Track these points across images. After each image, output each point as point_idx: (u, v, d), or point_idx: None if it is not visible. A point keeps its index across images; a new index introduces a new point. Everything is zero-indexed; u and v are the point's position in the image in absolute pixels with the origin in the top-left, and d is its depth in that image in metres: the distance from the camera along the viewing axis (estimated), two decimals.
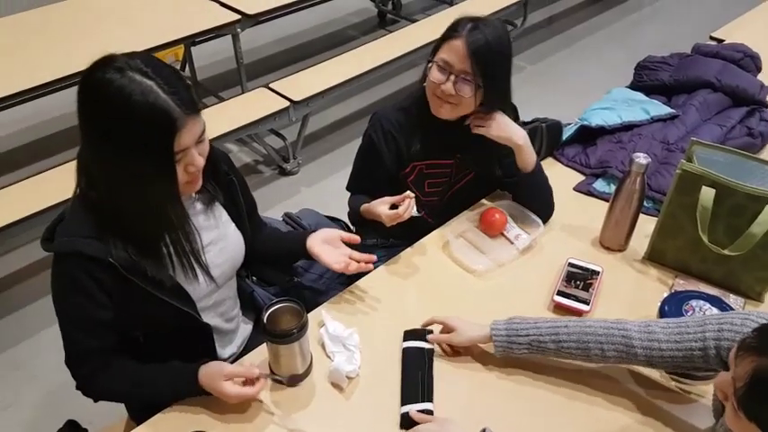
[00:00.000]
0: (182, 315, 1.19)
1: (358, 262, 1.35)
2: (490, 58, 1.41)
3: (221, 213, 1.30)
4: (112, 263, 1.07)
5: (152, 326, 1.21)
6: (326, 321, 1.32)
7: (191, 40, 3.15)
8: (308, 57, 4.02)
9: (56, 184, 2.37)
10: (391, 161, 1.59)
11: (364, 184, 1.66)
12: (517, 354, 1.22)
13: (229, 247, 1.30)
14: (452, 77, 1.42)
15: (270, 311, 1.19)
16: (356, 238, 1.39)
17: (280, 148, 3.22)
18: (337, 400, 1.23)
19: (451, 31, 1.43)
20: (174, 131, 0.99)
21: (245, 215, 1.35)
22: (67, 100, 3.44)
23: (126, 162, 1.01)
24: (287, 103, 2.88)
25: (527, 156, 1.54)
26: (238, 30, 3.03)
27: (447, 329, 1.30)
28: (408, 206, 1.43)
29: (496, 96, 1.49)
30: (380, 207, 1.47)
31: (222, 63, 3.88)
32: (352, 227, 1.79)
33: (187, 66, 3.67)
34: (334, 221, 1.78)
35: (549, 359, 1.24)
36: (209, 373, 1.16)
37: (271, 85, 3.00)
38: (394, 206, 1.46)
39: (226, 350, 1.39)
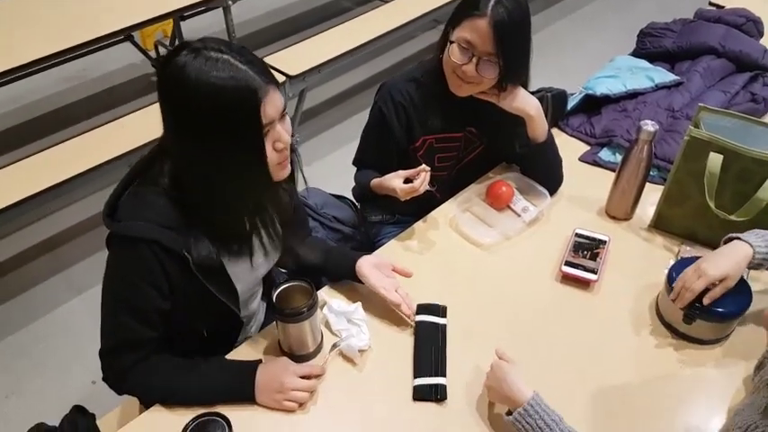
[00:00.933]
0: (225, 310, 1.19)
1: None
2: (514, 36, 1.36)
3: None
4: (185, 256, 1.06)
5: (197, 318, 1.19)
6: (328, 299, 1.30)
7: (180, 15, 3.08)
8: (303, 29, 3.95)
9: (34, 172, 2.34)
10: (401, 135, 1.55)
11: (372, 158, 1.63)
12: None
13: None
14: (475, 59, 1.37)
15: (279, 290, 1.19)
16: (408, 273, 1.35)
17: None
18: (349, 374, 1.23)
19: (472, 8, 1.34)
20: (258, 102, 0.97)
21: (290, 207, 1.30)
22: (51, 80, 3.39)
23: (215, 145, 0.99)
24: (283, 78, 2.83)
25: (539, 126, 1.52)
26: (229, 2, 2.96)
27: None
28: (424, 179, 1.40)
29: (517, 73, 1.44)
30: (394, 181, 1.44)
31: (214, 36, 3.80)
32: (357, 203, 1.78)
33: (176, 41, 3.60)
34: (340, 200, 1.76)
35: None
36: (270, 370, 1.17)
37: (265, 59, 2.93)
38: (407, 180, 1.44)
39: (243, 334, 1.38)
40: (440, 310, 1.32)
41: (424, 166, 1.42)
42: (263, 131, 1.00)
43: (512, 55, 1.37)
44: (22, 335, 2.34)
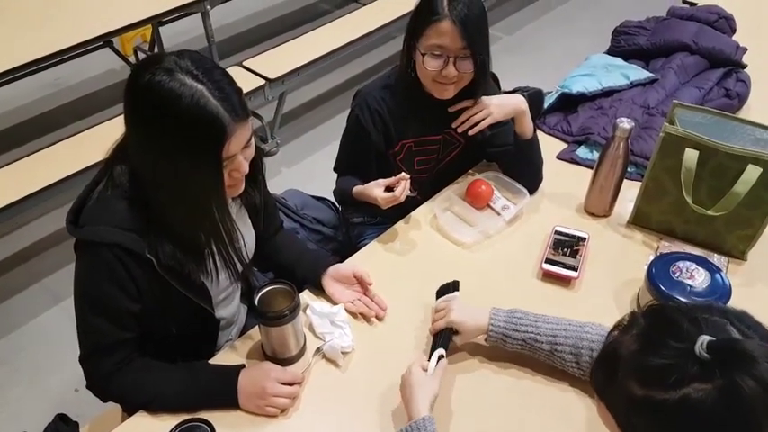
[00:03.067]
0: (199, 311, 1.18)
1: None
2: (478, 24, 1.38)
3: (243, 210, 1.28)
4: (149, 258, 1.06)
5: (168, 320, 1.18)
6: (310, 302, 1.30)
7: (158, 20, 3.06)
8: (281, 33, 3.95)
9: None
10: (379, 141, 1.56)
11: (352, 165, 1.63)
12: (508, 347, 1.19)
13: (246, 246, 1.27)
14: (451, 60, 1.38)
15: (261, 293, 1.18)
16: (367, 282, 1.34)
17: (257, 128, 3.16)
18: (333, 376, 1.23)
19: (430, 14, 1.36)
20: (223, 139, 0.97)
21: (262, 212, 1.32)
22: (29, 88, 3.34)
23: (173, 165, 0.99)
24: (262, 82, 2.83)
25: (528, 121, 1.54)
26: (207, 7, 2.95)
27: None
28: (404, 188, 1.41)
29: (484, 63, 1.45)
30: (375, 190, 1.44)
31: (192, 42, 3.79)
32: (338, 206, 1.78)
33: (156, 47, 3.57)
34: (320, 201, 1.76)
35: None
36: (252, 375, 1.16)
37: (244, 63, 2.94)
38: (389, 188, 1.44)
39: (224, 337, 1.37)
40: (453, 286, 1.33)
41: (403, 174, 1.42)
42: (223, 164, 1.01)
43: (481, 42, 1.39)
44: (2, 343, 2.30)
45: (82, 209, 1.09)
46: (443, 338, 1.20)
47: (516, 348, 1.18)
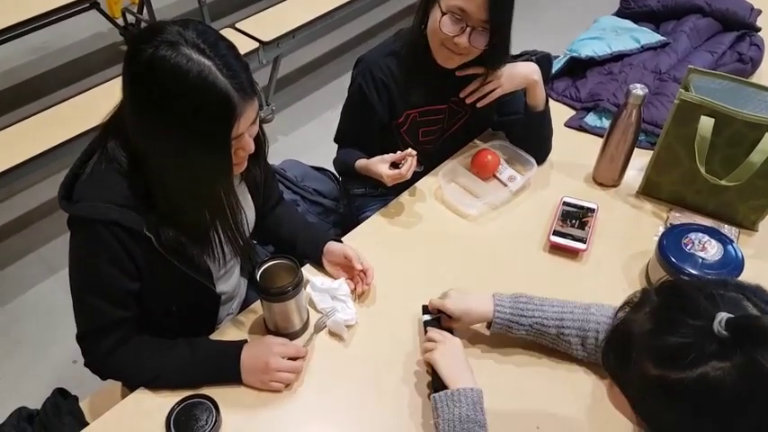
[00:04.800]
0: (200, 287, 1.15)
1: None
2: (505, 3, 1.29)
3: (243, 185, 1.23)
4: (147, 236, 1.01)
5: (168, 297, 1.15)
6: (311, 278, 1.26)
7: None
8: None
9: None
10: (383, 112, 1.49)
11: (354, 136, 1.57)
12: (513, 334, 1.14)
13: (247, 221, 1.23)
14: (468, 29, 1.30)
15: (263, 268, 1.14)
16: (357, 267, 1.27)
17: None
18: (337, 351, 1.20)
19: None
20: (233, 120, 0.91)
21: (262, 185, 1.27)
22: (15, 52, 3.22)
23: (179, 147, 0.93)
24: (256, 45, 2.73)
25: (540, 92, 1.48)
26: None
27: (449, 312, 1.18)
28: (411, 165, 1.36)
29: (504, 45, 1.38)
30: (380, 166, 1.38)
31: (183, 3, 3.65)
32: (338, 176, 1.72)
33: (144, 9, 3.45)
34: (320, 172, 1.70)
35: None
36: (255, 351, 1.13)
37: (237, 25, 2.84)
38: (394, 164, 1.39)
39: (225, 311, 1.34)
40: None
41: (410, 150, 1.36)
42: (231, 143, 0.95)
43: (503, 22, 1.32)
44: (0, 314, 2.27)
45: (74, 183, 1.03)
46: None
47: (521, 334, 1.14)
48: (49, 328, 2.21)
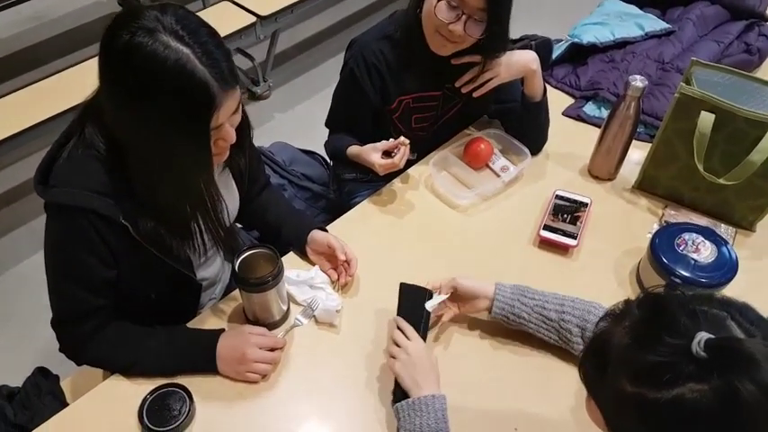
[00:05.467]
0: (179, 275, 1.12)
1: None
2: None
3: (227, 172, 1.20)
4: (125, 224, 0.98)
5: (147, 285, 1.12)
6: (285, 272, 1.21)
7: None
8: None
9: None
10: (376, 98, 1.45)
11: (345, 121, 1.53)
12: (516, 315, 1.11)
13: (230, 206, 1.21)
14: (464, 17, 1.25)
15: (242, 258, 1.11)
16: (341, 258, 1.23)
17: (248, 69, 3.02)
18: (316, 340, 1.18)
19: None
20: (212, 110, 0.88)
21: (246, 171, 1.23)
22: (10, 21, 3.14)
23: (156, 137, 0.90)
24: (253, 19, 2.67)
25: (538, 82, 1.43)
26: None
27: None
28: (404, 154, 1.32)
29: (502, 34, 1.34)
30: (373, 155, 1.35)
31: None
32: (329, 160, 1.68)
33: None
34: (310, 155, 1.66)
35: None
36: (232, 340, 1.11)
37: None
38: (387, 153, 1.35)
39: (207, 296, 1.32)
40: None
41: (402, 138, 1.33)
42: (210, 134, 0.91)
43: (501, 11, 1.27)
44: None
45: (51, 167, 1.00)
46: (424, 318, 1.13)
47: (523, 318, 1.11)
48: (38, 304, 2.15)
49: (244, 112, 1.03)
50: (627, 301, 0.75)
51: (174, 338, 1.12)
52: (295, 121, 2.86)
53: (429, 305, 1.12)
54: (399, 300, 1.15)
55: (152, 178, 0.96)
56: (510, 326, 1.13)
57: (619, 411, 0.70)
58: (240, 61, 3.03)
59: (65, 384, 1.34)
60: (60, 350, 1.13)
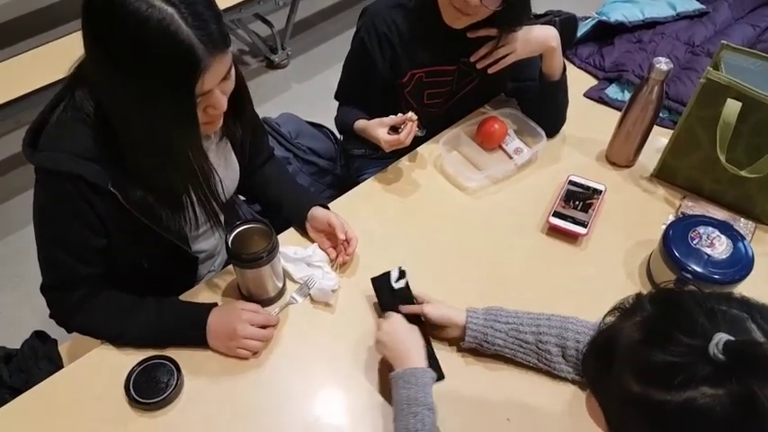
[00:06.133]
0: (173, 246, 1.10)
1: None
2: None
3: (227, 143, 1.17)
4: (113, 192, 0.96)
5: (139, 255, 1.11)
6: (282, 248, 1.19)
7: None
8: None
9: None
10: (386, 69, 1.40)
11: (354, 94, 1.48)
12: (490, 343, 1.05)
13: (228, 177, 1.18)
14: None
15: (236, 233, 1.09)
16: (341, 237, 1.20)
17: (267, 36, 2.97)
18: (310, 317, 1.16)
19: None
20: (197, 75, 0.84)
21: (247, 146, 1.20)
22: None
23: (139, 101, 0.86)
24: None
25: (557, 60, 1.37)
26: None
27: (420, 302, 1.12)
28: (410, 131, 1.28)
29: (520, 7, 1.27)
30: (379, 130, 1.31)
31: None
32: (338, 135, 1.64)
33: None
34: (318, 129, 1.62)
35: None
36: (223, 315, 1.09)
37: None
38: (394, 128, 1.31)
39: (205, 269, 1.30)
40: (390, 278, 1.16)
41: (410, 114, 1.28)
42: (196, 100, 0.87)
43: None
44: (2, 245, 2.28)
45: (41, 131, 0.98)
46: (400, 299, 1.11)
47: (498, 344, 1.05)
48: None
49: (241, 78, 0.99)
50: (638, 296, 0.70)
51: (164, 310, 1.11)
52: (312, 92, 2.81)
53: (396, 285, 1.10)
54: (377, 296, 1.13)
55: (137, 146, 0.93)
56: (486, 353, 1.08)
57: (621, 411, 0.66)
58: (258, 28, 2.98)
59: (63, 349, 1.35)
60: (50, 316, 1.13)
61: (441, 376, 1.04)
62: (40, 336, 1.36)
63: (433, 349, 1.08)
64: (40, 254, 1.06)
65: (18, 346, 1.35)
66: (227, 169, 1.16)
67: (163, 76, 0.83)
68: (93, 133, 0.94)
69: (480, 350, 1.07)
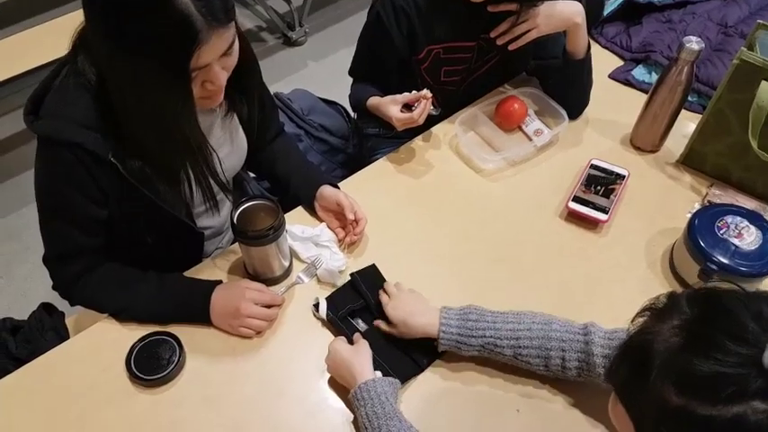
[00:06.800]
0: (177, 221, 1.07)
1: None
2: None
3: (233, 117, 1.13)
4: (113, 162, 0.93)
5: (143, 229, 1.08)
6: (289, 226, 1.15)
7: None
8: None
9: None
10: (402, 44, 1.34)
11: (369, 70, 1.43)
12: (464, 353, 0.99)
13: (235, 153, 1.15)
14: None
15: (241, 209, 1.05)
16: (350, 217, 1.16)
17: (284, 13, 2.92)
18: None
19: None
20: (193, 47, 0.80)
21: (255, 117, 1.15)
22: None
23: (132, 69, 0.83)
24: None
25: (582, 37, 1.31)
26: None
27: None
28: (424, 109, 1.23)
29: None
30: (391, 107, 1.27)
31: None
32: (352, 112, 1.60)
33: None
34: (331, 106, 1.57)
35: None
36: (227, 293, 1.06)
37: None
38: (408, 106, 1.26)
39: (212, 246, 1.28)
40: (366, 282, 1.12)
41: (425, 91, 1.23)
42: (191, 74, 0.84)
43: None
44: (13, 219, 2.29)
45: (43, 97, 0.95)
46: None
47: (473, 354, 0.99)
48: None
49: (248, 51, 0.95)
50: (672, 295, 0.64)
51: (167, 285, 1.08)
52: (329, 70, 2.76)
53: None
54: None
55: (132, 118, 0.90)
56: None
57: (657, 425, 0.59)
58: (276, 3, 2.93)
59: (70, 321, 1.33)
60: (53, 288, 1.11)
61: (411, 373, 1.00)
62: (47, 308, 1.35)
63: (404, 348, 1.03)
64: (41, 224, 1.04)
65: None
66: (233, 145, 1.13)
67: (156, 48, 0.79)
68: (95, 101, 0.91)
69: (458, 353, 1.00)
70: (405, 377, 1.00)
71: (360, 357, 0.96)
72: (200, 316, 1.06)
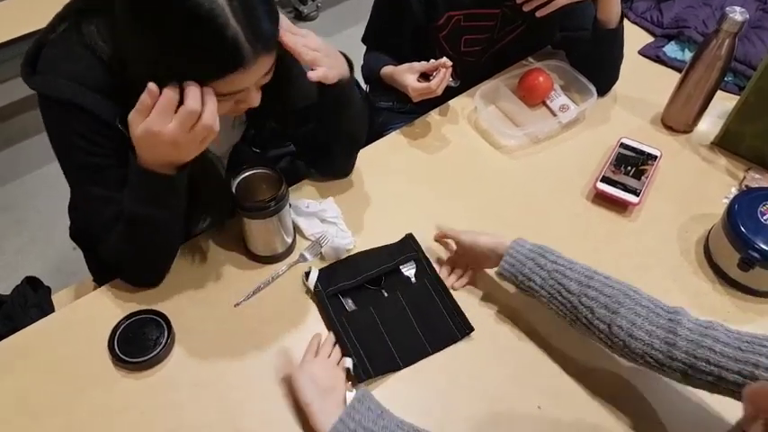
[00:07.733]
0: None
1: None
2: None
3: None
4: (120, 129, 0.84)
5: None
6: (294, 201, 1.07)
7: None
8: None
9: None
10: (420, 10, 1.26)
11: (384, 37, 1.35)
12: (527, 277, 0.90)
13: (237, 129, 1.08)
14: None
15: (240, 178, 0.96)
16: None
17: None
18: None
19: None
20: (234, 73, 0.76)
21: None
22: None
23: (166, 76, 0.76)
24: None
25: (615, 4, 1.21)
26: None
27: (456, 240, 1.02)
28: (443, 78, 1.14)
29: None
30: (408, 77, 1.18)
31: None
32: (365, 84, 1.50)
33: None
34: None
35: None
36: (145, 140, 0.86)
37: None
38: (425, 75, 1.17)
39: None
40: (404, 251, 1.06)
41: (444, 60, 1.14)
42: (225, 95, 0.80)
43: None
44: (6, 190, 2.22)
45: (41, 50, 0.86)
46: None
47: (534, 285, 0.89)
48: (56, 208, 2.07)
49: (286, 70, 0.90)
50: None
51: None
52: (341, 45, 2.59)
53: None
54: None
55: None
56: (523, 291, 0.93)
57: None
58: None
59: (56, 297, 1.25)
60: (71, 237, 1.08)
61: (388, 368, 0.92)
62: (31, 282, 1.27)
63: (389, 340, 0.95)
64: (72, 187, 0.98)
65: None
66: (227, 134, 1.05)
67: (200, 65, 0.76)
68: (97, 61, 0.83)
69: (515, 285, 0.93)
70: (380, 370, 0.91)
71: (326, 404, 0.83)
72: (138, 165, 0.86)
